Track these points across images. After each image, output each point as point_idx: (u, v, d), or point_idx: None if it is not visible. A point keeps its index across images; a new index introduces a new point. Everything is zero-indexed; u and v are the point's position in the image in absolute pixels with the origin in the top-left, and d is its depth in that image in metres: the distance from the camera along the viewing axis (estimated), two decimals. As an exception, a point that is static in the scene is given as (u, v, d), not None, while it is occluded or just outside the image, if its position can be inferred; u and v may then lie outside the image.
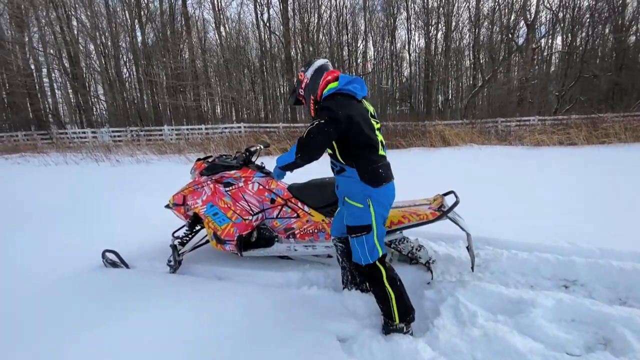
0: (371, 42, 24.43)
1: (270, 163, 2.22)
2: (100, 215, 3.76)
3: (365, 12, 22.67)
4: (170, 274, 2.44)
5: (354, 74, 23.32)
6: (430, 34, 20.85)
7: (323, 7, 21.88)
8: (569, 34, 19.07)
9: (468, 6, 20.54)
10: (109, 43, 19.03)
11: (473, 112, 18.18)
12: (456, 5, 20.39)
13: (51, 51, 18.85)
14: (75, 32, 18.39)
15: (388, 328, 1.66)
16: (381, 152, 1.67)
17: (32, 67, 18.70)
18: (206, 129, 15.67)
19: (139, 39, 19.60)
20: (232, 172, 2.36)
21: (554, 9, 19.16)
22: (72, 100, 21.09)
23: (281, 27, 19.87)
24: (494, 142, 8.96)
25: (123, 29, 19.65)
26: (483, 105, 20.91)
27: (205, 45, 22.63)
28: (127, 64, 21.08)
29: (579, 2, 18.34)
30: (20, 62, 17.81)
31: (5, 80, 18.45)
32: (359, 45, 24.06)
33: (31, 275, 2.43)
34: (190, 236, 2.52)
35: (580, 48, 18.95)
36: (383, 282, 1.64)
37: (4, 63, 17.04)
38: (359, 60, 24.19)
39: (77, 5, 18.28)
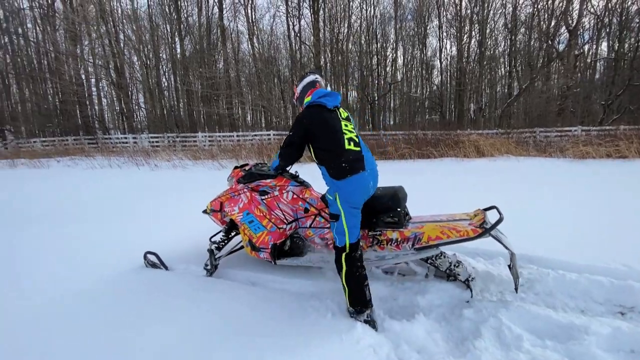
0: (401, 50, 24.28)
1: (306, 171, 2.26)
2: (142, 217, 3.97)
3: (396, 21, 22.61)
4: (206, 277, 2.52)
5: (382, 82, 23.21)
6: (463, 42, 20.37)
7: (354, 17, 22.09)
8: (616, 40, 17.85)
9: (504, 12, 19.90)
10: (151, 55, 20.34)
11: (508, 121, 17.43)
12: (491, 12, 19.82)
13: (100, 62, 20.42)
14: (122, 45, 19.78)
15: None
16: (348, 146, 1.92)
17: (83, 77, 20.30)
18: (237, 136, 16.18)
19: (178, 50, 20.80)
20: (268, 180, 2.39)
21: (598, 13, 18.08)
22: (116, 108, 22.62)
23: (312, 37, 20.26)
24: (533, 153, 8.50)
25: (164, 41, 20.94)
26: (519, 114, 19.98)
27: (239, 56, 23.53)
28: (166, 74, 22.38)
29: (627, 5, 17.20)
30: (73, 72, 19.43)
31: (59, 89, 20.20)
32: (388, 53, 23.98)
33: (80, 273, 2.60)
34: (226, 241, 2.59)
35: (629, 54, 17.66)
36: (342, 276, 1.91)
37: (58, 73, 18.68)
38: (387, 69, 24.08)
39: (124, 20, 19.76)
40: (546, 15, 18.45)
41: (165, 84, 22.07)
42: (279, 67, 24.46)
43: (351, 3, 21.39)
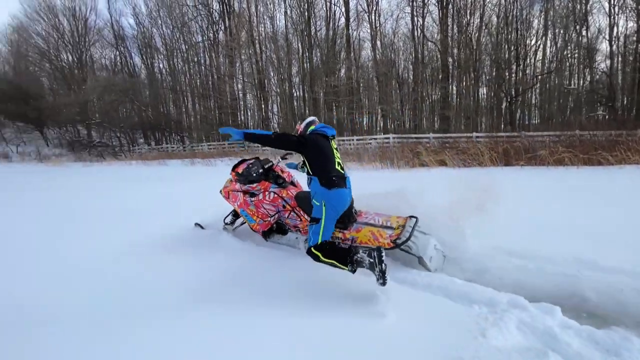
0: (550, 36, 20.32)
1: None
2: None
3: (546, 2, 19.05)
4: (233, 237, 3.40)
5: (520, 75, 19.96)
6: (650, 13, 15.51)
7: (490, 6, 19.73)
8: None
9: None
10: (285, 69, 23.17)
11: None
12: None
13: (247, 80, 24.53)
14: (264, 63, 23.22)
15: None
16: (337, 167, 2.41)
17: (236, 92, 24.74)
18: (357, 139, 16.68)
19: (307, 64, 23.00)
20: (254, 185, 3.14)
21: None
22: (256, 116, 26.67)
23: (437, 34, 19.16)
24: None
25: (295, 56, 23.51)
26: None
27: (359, 62, 24.31)
28: (296, 85, 25.04)
29: None
30: (228, 89, 23.96)
31: (219, 104, 25.22)
32: (532, 42, 20.45)
33: (170, 228, 3.78)
34: (235, 221, 3.57)
35: None
36: (322, 260, 2.24)
37: (219, 91, 23.34)
38: (530, 60, 20.53)
39: (266, 43, 23.13)
40: None
41: (295, 93, 24.75)
42: (398, 69, 24.10)
43: (486, -10, 19.22)
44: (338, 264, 2.19)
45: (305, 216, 2.99)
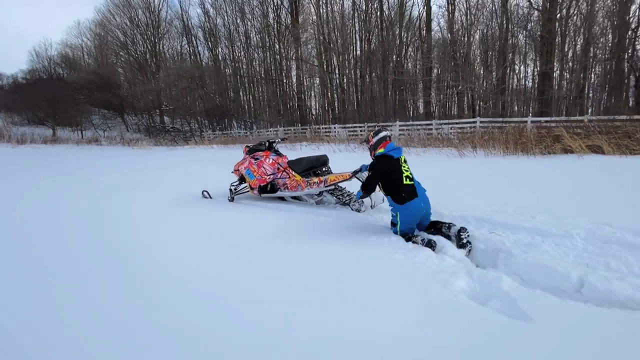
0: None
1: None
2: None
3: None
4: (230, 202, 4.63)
5: None
6: None
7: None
8: None
9: None
10: (350, 52, 22.08)
11: None
12: None
13: (309, 63, 23.90)
14: (329, 45, 22.36)
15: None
16: (405, 182, 3.00)
17: (301, 77, 24.26)
18: (437, 124, 15.31)
19: (367, 45, 21.60)
20: (260, 152, 4.54)
21: None
22: (320, 100, 26.11)
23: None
24: None
25: (359, 38, 22.23)
26: None
27: (432, 38, 22.21)
28: (360, 67, 23.80)
29: None
30: (292, 72, 23.58)
31: (285, 89, 24.99)
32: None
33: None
34: (239, 187, 4.70)
35: None
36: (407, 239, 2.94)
37: (284, 77, 23.04)
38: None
39: (329, 28, 22.16)
40: None
41: (359, 76, 23.62)
42: (477, 43, 21.61)
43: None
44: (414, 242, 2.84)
45: (293, 174, 4.22)
